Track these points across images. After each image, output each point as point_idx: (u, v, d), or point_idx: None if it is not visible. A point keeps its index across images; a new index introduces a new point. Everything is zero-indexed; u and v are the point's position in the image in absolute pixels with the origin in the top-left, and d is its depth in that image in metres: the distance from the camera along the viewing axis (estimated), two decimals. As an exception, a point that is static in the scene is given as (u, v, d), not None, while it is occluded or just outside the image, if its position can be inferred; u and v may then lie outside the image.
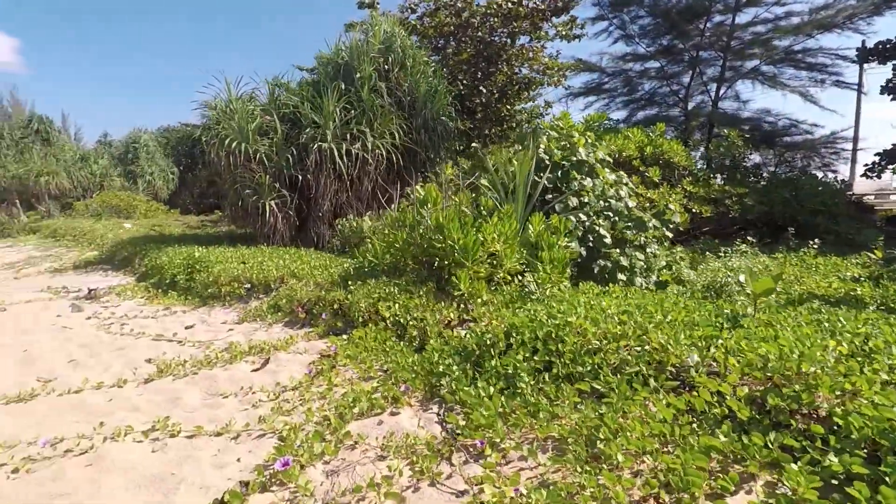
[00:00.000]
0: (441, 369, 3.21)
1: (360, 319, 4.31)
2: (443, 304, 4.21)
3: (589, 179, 5.83)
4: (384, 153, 10.04)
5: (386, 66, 10.98)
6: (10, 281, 8.88)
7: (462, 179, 7.68)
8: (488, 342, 3.30)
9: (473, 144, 15.95)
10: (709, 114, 13.76)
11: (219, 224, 19.53)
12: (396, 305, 4.26)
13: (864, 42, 15.37)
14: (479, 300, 4.10)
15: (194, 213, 25.94)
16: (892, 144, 14.66)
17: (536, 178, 5.75)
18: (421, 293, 4.43)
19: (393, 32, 11.53)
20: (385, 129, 10.16)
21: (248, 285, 6.06)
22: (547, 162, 5.93)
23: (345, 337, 4.19)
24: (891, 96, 14.54)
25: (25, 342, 4.64)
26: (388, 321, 4.18)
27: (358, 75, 10.31)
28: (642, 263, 5.63)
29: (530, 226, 4.95)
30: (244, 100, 10.00)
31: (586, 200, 5.71)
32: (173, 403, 3.26)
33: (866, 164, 15.07)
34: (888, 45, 14.11)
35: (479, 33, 16.32)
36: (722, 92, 14.43)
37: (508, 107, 17.47)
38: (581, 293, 4.28)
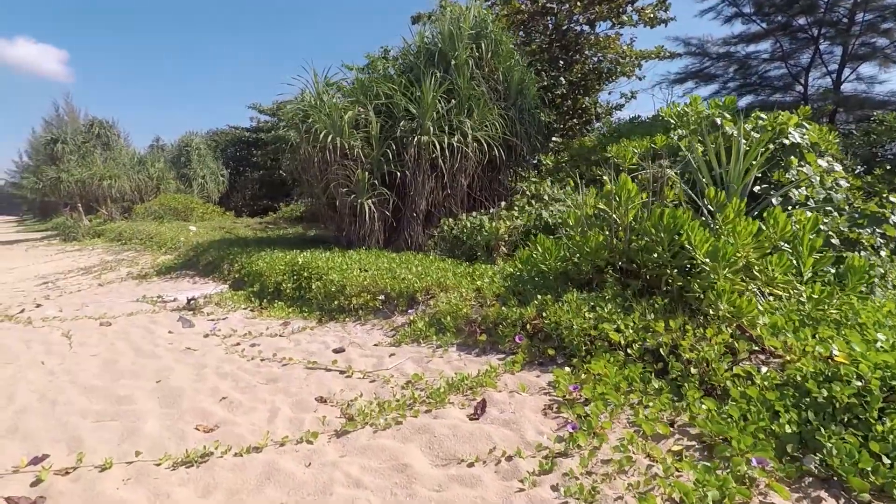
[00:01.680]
0: (802, 431, 2.18)
1: (583, 346, 3.30)
2: (691, 325, 3.16)
3: (808, 166, 4.70)
4: (485, 147, 9.06)
5: (478, 53, 10.01)
6: (95, 288, 8.29)
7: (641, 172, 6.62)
8: (849, 389, 2.25)
9: (554, 139, 14.83)
10: (833, 97, 12.21)
11: (279, 225, 19.03)
12: (629, 328, 3.24)
13: None
14: (761, 322, 3.03)
15: (247, 214, 25.67)
16: None
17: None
18: (649, 312, 3.40)
19: (483, 17, 10.58)
20: (484, 121, 9.19)
21: (383, 297, 5.15)
22: (746, 146, 4.80)
23: (567, 370, 3.19)
24: None
25: (154, 370, 3.82)
26: (624, 348, 3.17)
27: (454, 62, 9.38)
28: (880, 269, 4.46)
29: (761, 225, 3.85)
30: (332, 91, 9.19)
31: (806, 193, 4.58)
32: (401, 474, 2.33)
33: None
34: None
35: (556, 19, 15.22)
36: (845, 75, 12.86)
37: (588, 98, 16.29)
38: (873, 310, 3.17)
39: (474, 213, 8.27)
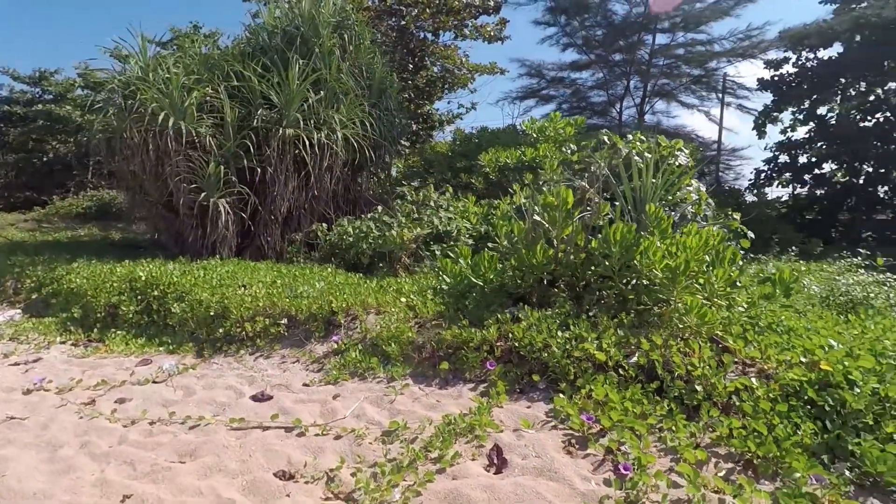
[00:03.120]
0: (827, 440, 2.30)
1: (570, 369, 3.09)
2: (673, 341, 3.20)
3: (696, 184, 5.31)
4: (354, 146, 8.41)
5: (341, 44, 9.28)
6: None
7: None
8: (863, 398, 2.47)
9: (402, 142, 14.73)
10: (637, 125, 14.62)
11: (55, 224, 14.98)
12: (610, 346, 3.15)
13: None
14: (732, 333, 3.20)
15: (1, 209, 19.76)
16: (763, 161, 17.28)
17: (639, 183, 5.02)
18: (618, 328, 3.37)
19: (343, 6, 9.86)
20: (353, 117, 8.52)
21: (285, 320, 4.24)
22: (641, 165, 5.24)
23: (562, 397, 2.94)
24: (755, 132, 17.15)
25: (-36, 462, 2.42)
26: (614, 368, 3.05)
27: (318, 50, 8.48)
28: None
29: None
30: (170, 64, 7.46)
31: (693, 210, 5.17)
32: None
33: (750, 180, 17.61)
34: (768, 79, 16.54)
35: (403, 22, 15.12)
36: (647, 107, 15.52)
37: (428, 106, 16.58)
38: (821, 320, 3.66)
39: (349, 218, 7.55)
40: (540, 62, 15.54)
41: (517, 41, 36.59)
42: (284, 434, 2.73)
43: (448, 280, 4.52)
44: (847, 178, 15.26)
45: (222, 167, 7.03)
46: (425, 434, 2.65)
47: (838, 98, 15.37)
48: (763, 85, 16.01)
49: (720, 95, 16.21)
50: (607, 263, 3.78)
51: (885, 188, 14.92)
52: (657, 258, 3.51)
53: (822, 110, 16.44)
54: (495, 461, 2.46)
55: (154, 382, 3.53)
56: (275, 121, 7.56)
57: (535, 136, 9.29)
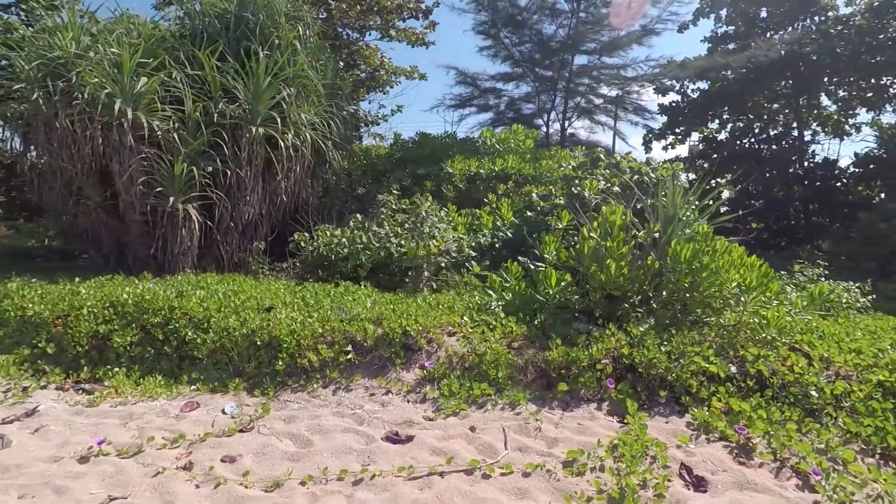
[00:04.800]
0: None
1: (694, 383, 3.28)
2: (767, 351, 3.57)
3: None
4: (322, 148, 7.91)
5: (297, 36, 8.63)
6: None
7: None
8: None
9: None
10: (560, 138, 15.59)
11: None
12: (715, 358, 3.41)
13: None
14: (806, 343, 3.65)
15: None
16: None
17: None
18: (707, 341, 3.68)
19: (295, -4, 9.15)
20: (317, 117, 7.98)
21: (350, 347, 3.86)
22: (646, 182, 5.70)
23: (702, 410, 3.11)
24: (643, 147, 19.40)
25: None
26: (728, 380, 3.31)
27: (278, 41, 7.79)
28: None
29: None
30: (113, 41, 6.28)
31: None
32: None
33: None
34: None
35: (331, 15, 14.41)
36: (569, 122, 16.64)
37: (355, 106, 16.00)
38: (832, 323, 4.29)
39: (326, 227, 7.05)
40: (475, 72, 16.12)
41: (453, 45, 36.61)
42: (467, 477, 2.53)
43: (507, 297, 4.49)
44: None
45: (188, 168, 6.12)
46: (607, 462, 2.65)
47: (715, 123, 18.13)
48: (662, 109, 18.35)
49: (629, 115, 18.15)
50: (675, 279, 4.08)
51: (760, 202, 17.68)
52: (729, 275, 3.88)
53: (694, 134, 19.22)
54: (690, 480, 2.55)
55: (242, 431, 3.00)
56: (242, 117, 6.78)
57: (496, 146, 9.51)
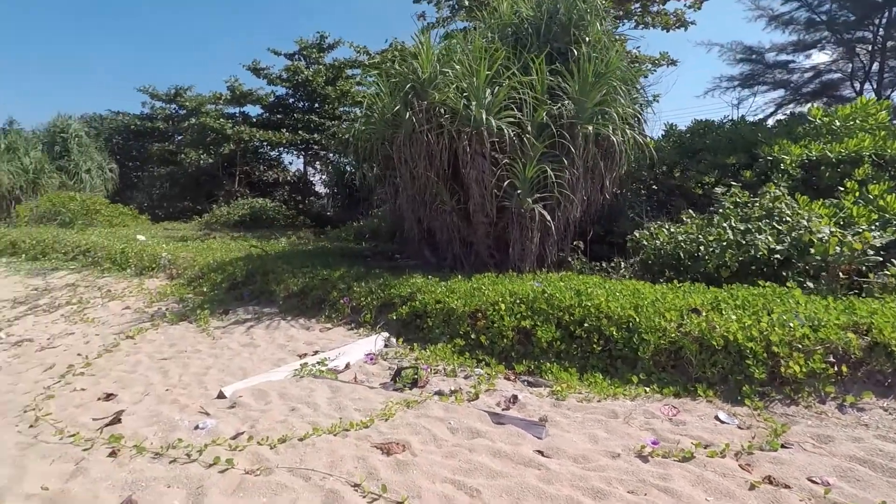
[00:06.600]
0: None
1: None
2: None
3: None
4: (640, 143, 7.50)
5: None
6: (129, 347, 5.11)
7: None
8: None
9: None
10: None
11: (224, 230, 15.23)
12: None
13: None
14: None
15: (163, 217, 20.74)
16: None
17: None
18: None
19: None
20: (632, 112, 7.59)
21: (832, 358, 3.28)
22: None
23: None
24: None
25: None
26: None
27: (587, 38, 7.61)
28: None
29: None
30: (458, 57, 6.85)
31: None
32: None
33: None
34: None
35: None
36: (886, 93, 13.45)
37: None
38: None
39: (667, 224, 6.58)
40: (758, 45, 13.99)
41: (712, 19, 33.19)
42: None
43: None
44: None
45: (537, 169, 6.29)
46: None
47: None
48: None
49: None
50: None
51: None
52: None
53: None
54: None
55: (784, 447, 2.66)
56: (573, 117, 6.75)
57: (837, 125, 7.93)
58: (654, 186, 9.21)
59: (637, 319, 4.00)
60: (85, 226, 14.70)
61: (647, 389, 3.56)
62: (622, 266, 6.77)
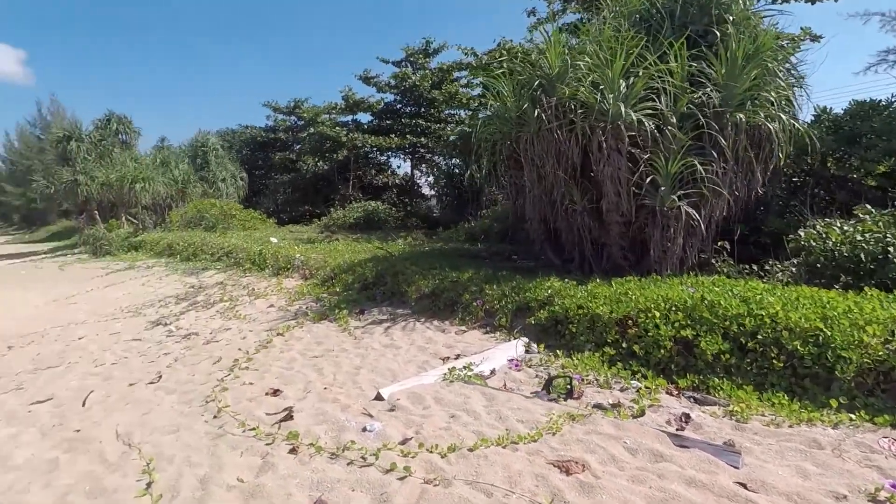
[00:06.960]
0: None
1: None
2: None
3: None
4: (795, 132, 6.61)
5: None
6: (291, 344, 5.46)
7: None
8: None
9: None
10: None
11: (342, 232, 16.05)
12: None
13: None
14: None
15: (288, 221, 22.51)
16: None
17: None
18: None
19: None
20: (783, 97, 6.71)
21: None
22: None
23: None
24: None
25: None
26: None
27: (731, 17, 6.87)
28: None
29: None
30: (589, 51, 6.53)
31: None
32: None
33: None
34: None
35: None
36: None
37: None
38: None
39: (839, 221, 5.75)
40: None
41: None
42: None
43: None
44: None
45: (682, 163, 5.79)
46: None
47: None
48: None
49: None
50: None
51: None
52: None
53: None
54: None
55: None
56: (717, 104, 6.13)
57: None
58: (807, 178, 8.15)
59: (829, 333, 3.47)
60: (224, 229, 16.34)
61: (853, 416, 3.04)
62: (778, 269, 6.03)
